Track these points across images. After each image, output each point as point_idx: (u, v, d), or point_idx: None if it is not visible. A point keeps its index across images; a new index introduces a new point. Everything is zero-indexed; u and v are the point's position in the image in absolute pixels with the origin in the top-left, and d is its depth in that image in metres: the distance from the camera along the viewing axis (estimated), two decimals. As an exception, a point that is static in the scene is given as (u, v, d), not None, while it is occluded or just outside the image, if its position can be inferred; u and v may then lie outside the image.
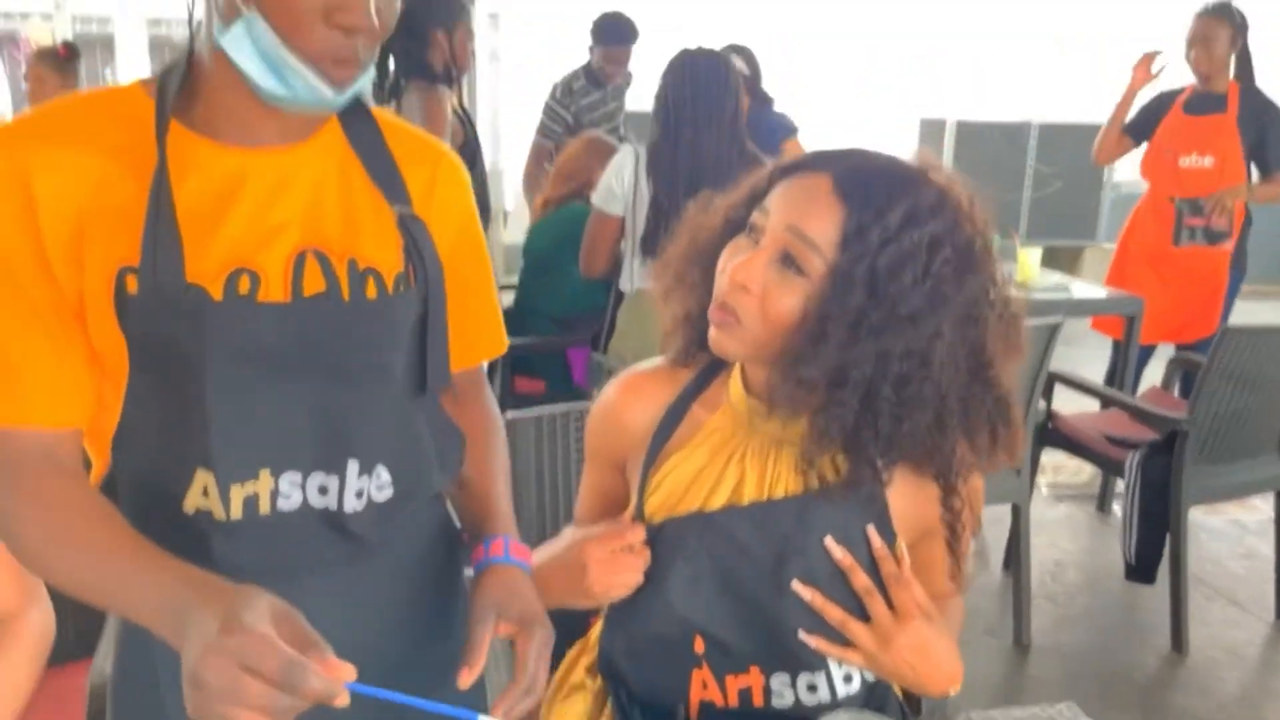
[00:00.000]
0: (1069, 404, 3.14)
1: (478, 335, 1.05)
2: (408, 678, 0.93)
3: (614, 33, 4.08)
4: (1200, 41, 3.32)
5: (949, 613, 1.11)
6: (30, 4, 6.73)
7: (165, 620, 0.73)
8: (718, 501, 1.02)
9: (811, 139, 6.81)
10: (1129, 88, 3.56)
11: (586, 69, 4.19)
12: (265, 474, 0.87)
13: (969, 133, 6.81)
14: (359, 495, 0.91)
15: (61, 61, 3.92)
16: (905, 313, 0.91)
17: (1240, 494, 2.82)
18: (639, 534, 1.02)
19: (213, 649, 0.67)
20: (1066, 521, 3.43)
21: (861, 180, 0.93)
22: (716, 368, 1.07)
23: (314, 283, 0.86)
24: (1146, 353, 3.48)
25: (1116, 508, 3.37)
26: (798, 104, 6.66)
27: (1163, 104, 3.53)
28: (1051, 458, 3.59)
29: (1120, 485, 2.95)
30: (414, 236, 0.91)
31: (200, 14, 0.84)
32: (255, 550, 0.88)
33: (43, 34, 6.60)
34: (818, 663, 1.01)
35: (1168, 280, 3.43)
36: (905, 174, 0.95)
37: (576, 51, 4.27)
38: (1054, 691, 2.45)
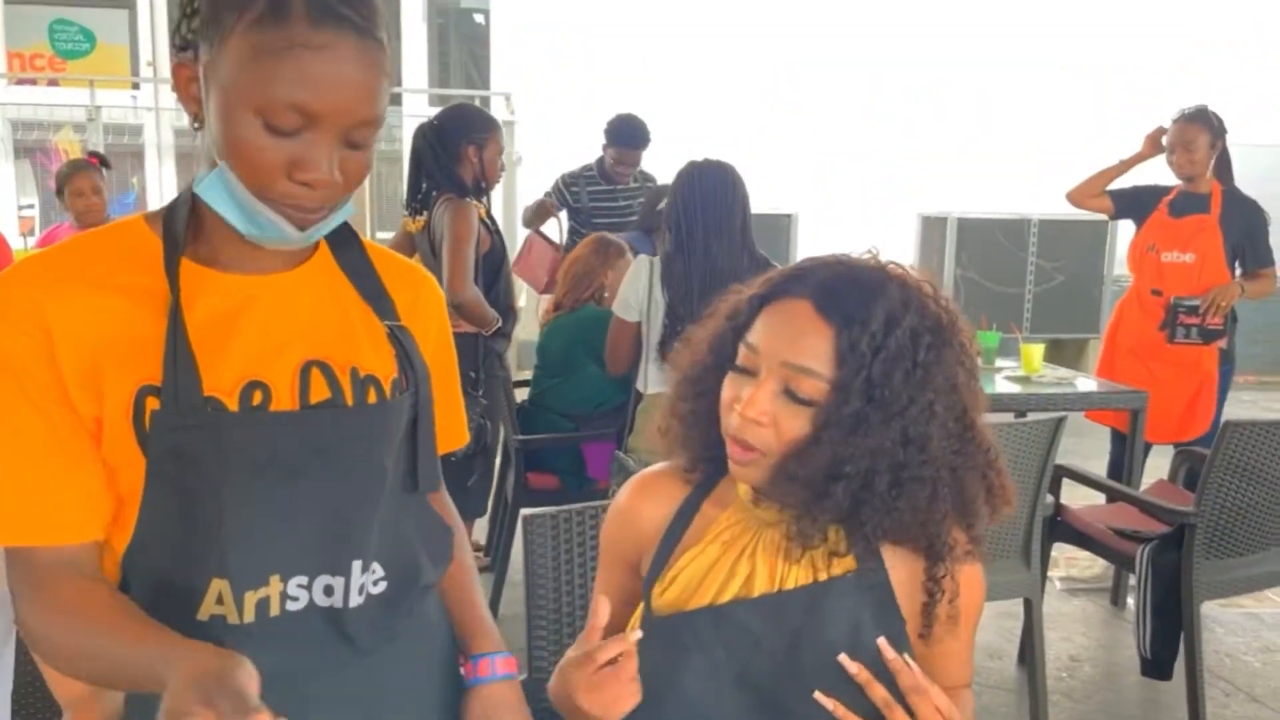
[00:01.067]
0: (1076, 497, 3.16)
1: (445, 430, 1.11)
2: None
3: (626, 135, 4.26)
4: (1181, 146, 3.47)
5: (962, 705, 1.13)
6: (63, 115, 7.01)
7: (155, 675, 0.80)
8: (729, 595, 1.06)
9: (812, 235, 6.98)
10: (1135, 156, 3.68)
11: (599, 163, 4.37)
12: (275, 579, 0.93)
13: (970, 229, 6.96)
14: (360, 591, 0.97)
15: (94, 171, 4.09)
16: (900, 406, 0.99)
17: (1253, 587, 2.81)
18: (618, 647, 1.01)
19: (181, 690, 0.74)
20: (1080, 615, 3.41)
21: (839, 295, 0.99)
22: (724, 468, 1.12)
23: (319, 391, 0.94)
24: (1148, 445, 3.51)
25: (1130, 601, 3.35)
26: (797, 199, 6.89)
27: (1153, 196, 3.65)
28: (1062, 551, 3.60)
29: (1133, 578, 2.95)
30: (404, 346, 1.00)
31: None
32: (264, 650, 0.91)
33: (73, 144, 6.86)
34: None
35: (1155, 373, 3.50)
36: (870, 276, 1.02)
37: (593, 152, 4.44)
38: (1074, 792, 2.42)
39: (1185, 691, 2.59)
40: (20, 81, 8.34)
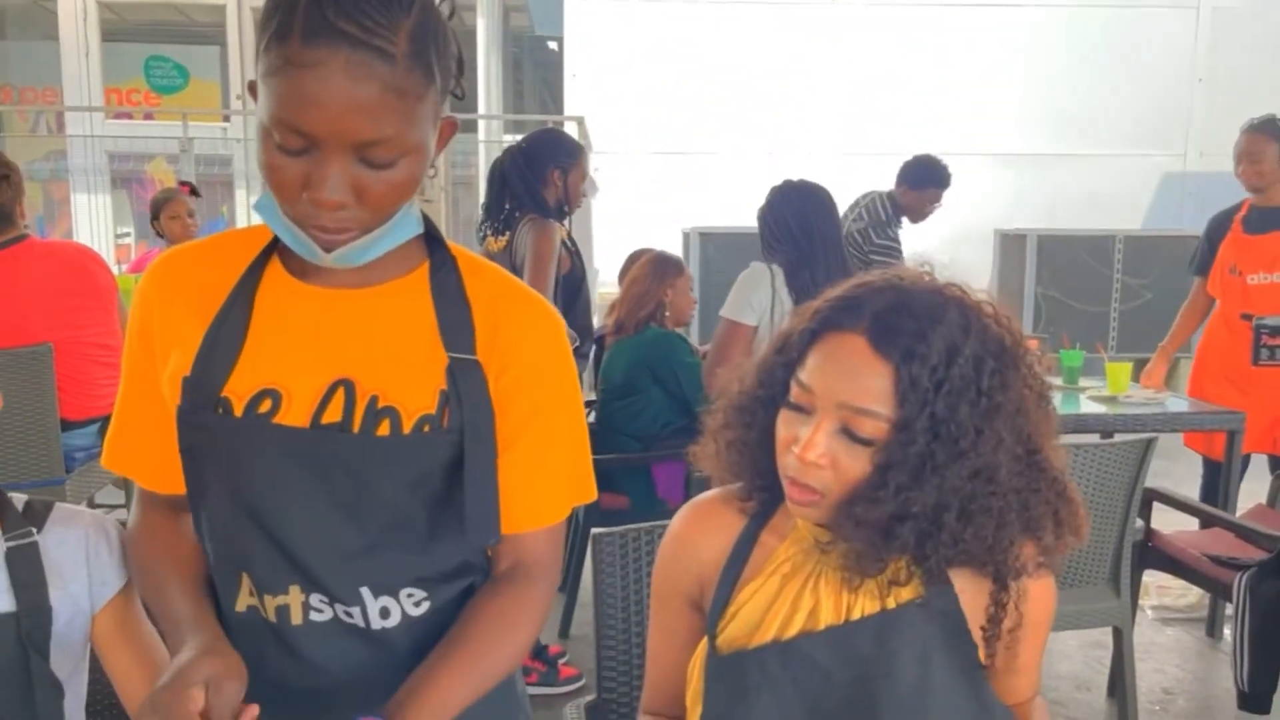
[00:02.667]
0: (1168, 523, 3.03)
1: (532, 492, 0.98)
2: None
3: (934, 178, 4.52)
4: (1247, 157, 3.36)
5: (1037, 716, 1.11)
6: (157, 147, 7.33)
7: (173, 643, 0.92)
8: (794, 629, 1.03)
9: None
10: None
11: (892, 201, 4.50)
12: (295, 590, 0.94)
13: (1051, 245, 6.79)
14: (384, 615, 0.95)
15: (186, 197, 4.27)
16: (968, 441, 0.94)
17: (1361, 619, 2.66)
18: None
19: (151, 704, 0.83)
20: (1175, 646, 3.27)
21: (894, 328, 0.94)
22: (779, 497, 1.08)
23: (334, 413, 0.92)
24: (1244, 467, 3.37)
25: (1227, 631, 3.19)
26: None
27: (1222, 227, 3.54)
28: (1155, 579, 3.45)
29: (1230, 609, 2.81)
30: (459, 382, 0.92)
31: None
32: (293, 653, 0.94)
33: (166, 174, 7.16)
34: None
35: (1248, 394, 3.36)
36: (926, 301, 0.97)
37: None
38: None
39: (1288, 728, 2.45)
40: (118, 116, 8.74)
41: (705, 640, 1.08)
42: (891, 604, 1.01)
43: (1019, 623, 1.03)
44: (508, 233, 3.02)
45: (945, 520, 0.95)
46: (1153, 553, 2.80)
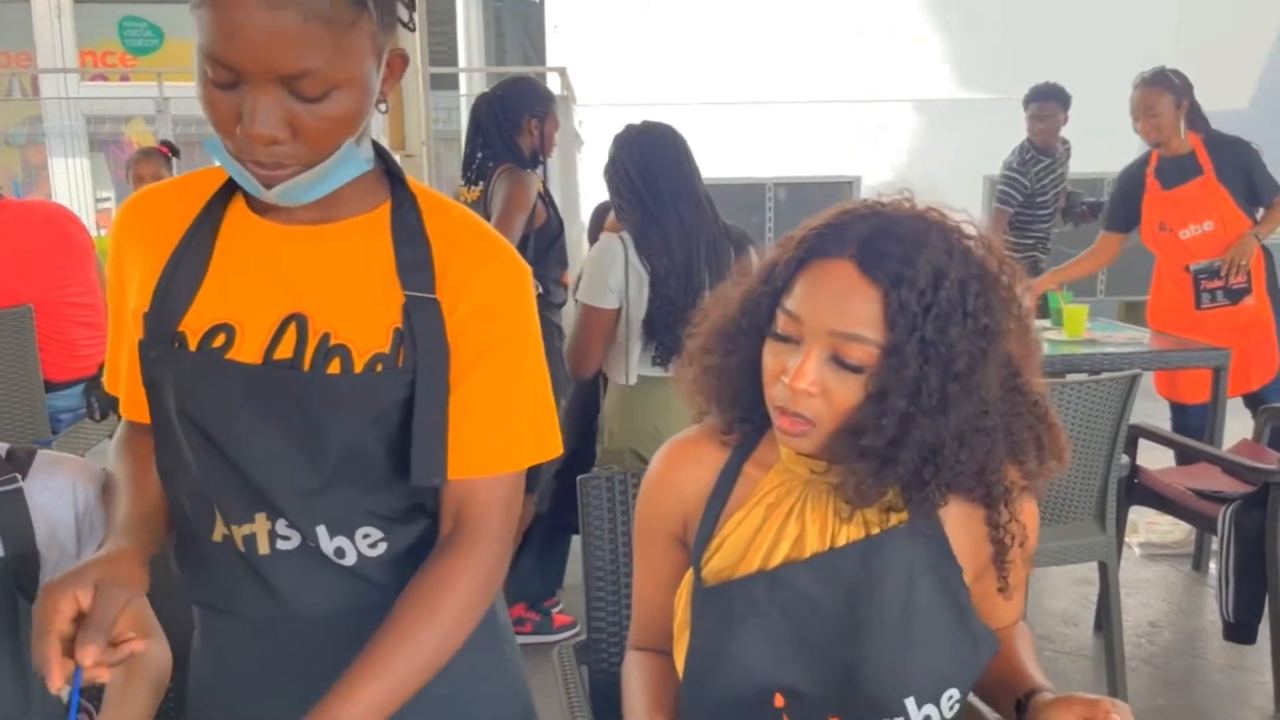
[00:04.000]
0: (1148, 461, 3.05)
1: (483, 436, 0.94)
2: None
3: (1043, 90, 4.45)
4: (1144, 113, 3.37)
5: (1021, 639, 1.12)
6: (134, 108, 7.22)
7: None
8: (779, 557, 1.03)
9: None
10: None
11: (1029, 140, 4.50)
12: (261, 518, 0.93)
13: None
14: (339, 554, 0.94)
15: (162, 160, 4.20)
16: (961, 366, 0.95)
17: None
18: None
19: (41, 594, 0.84)
20: (1160, 582, 3.31)
21: (882, 253, 0.94)
22: (761, 428, 1.08)
23: (285, 350, 0.91)
24: (1202, 410, 3.39)
25: (1213, 566, 3.24)
26: (859, 163, 6.75)
27: (1133, 184, 3.56)
28: (1142, 516, 3.49)
29: (1215, 543, 2.85)
30: (414, 321, 0.90)
31: None
32: (266, 582, 0.94)
33: (144, 136, 7.06)
34: (896, 708, 1.00)
35: (1210, 337, 3.38)
36: (911, 226, 0.96)
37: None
38: (1155, 759, 2.36)
39: (1270, 656, 2.49)
40: (93, 78, 8.60)
41: (690, 573, 1.08)
42: (876, 530, 1.02)
43: (1024, 539, 1.03)
44: (481, 183, 2.96)
45: (945, 444, 0.95)
46: (1139, 489, 2.83)
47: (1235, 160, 3.35)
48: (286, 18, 0.79)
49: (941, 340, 0.93)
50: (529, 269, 0.99)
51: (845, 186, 6.72)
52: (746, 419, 1.08)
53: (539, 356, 0.97)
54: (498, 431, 0.95)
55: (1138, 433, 2.82)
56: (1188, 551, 3.42)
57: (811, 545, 1.03)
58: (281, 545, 0.93)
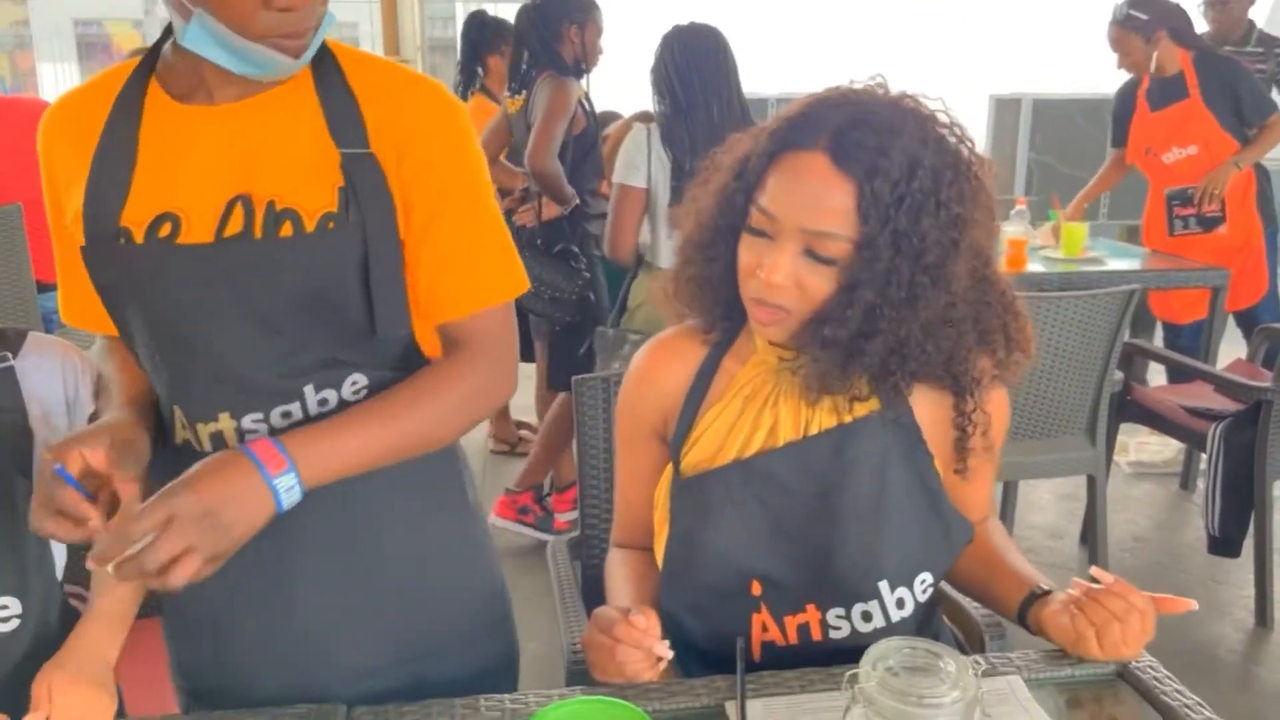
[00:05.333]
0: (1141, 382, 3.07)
1: (464, 277, 0.96)
2: (400, 604, 1.01)
3: None
4: (1117, 49, 3.36)
5: (999, 536, 1.14)
6: (121, 10, 7.04)
7: None
8: (755, 447, 1.04)
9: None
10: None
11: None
12: (225, 416, 0.94)
13: (1047, 110, 6.65)
14: (322, 404, 0.94)
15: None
16: (931, 258, 0.94)
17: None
18: (639, 624, 0.93)
19: (46, 450, 0.84)
20: (1148, 499, 3.35)
21: (855, 143, 0.92)
22: (740, 323, 1.08)
23: (235, 226, 0.90)
24: (1195, 330, 3.40)
25: (1200, 484, 3.28)
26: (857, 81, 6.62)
27: (1126, 103, 3.53)
28: (1133, 435, 3.52)
29: (1204, 463, 2.88)
30: (354, 177, 0.90)
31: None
32: None
33: (132, 39, 6.89)
34: (870, 592, 1.03)
35: (1196, 259, 3.37)
36: (885, 115, 0.95)
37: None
38: (1132, 666, 2.41)
39: (1253, 570, 2.54)
40: (80, -21, 8.36)
41: (670, 469, 1.09)
42: (848, 418, 1.03)
43: (987, 427, 1.04)
44: (524, 92, 3.00)
45: (911, 335, 0.95)
46: (1131, 406, 2.84)
47: (1223, 80, 3.27)
48: None
49: (914, 232, 0.93)
50: (461, 103, 0.98)
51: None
52: (726, 316, 1.08)
53: (489, 192, 0.98)
54: (473, 274, 0.96)
55: (1132, 350, 2.83)
56: (1176, 471, 3.46)
57: (785, 434, 1.04)
58: (250, 440, 0.91)
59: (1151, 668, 0.99)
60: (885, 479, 1.02)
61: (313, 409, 0.95)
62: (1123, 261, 3.41)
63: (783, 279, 0.95)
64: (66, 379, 1.03)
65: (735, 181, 1.01)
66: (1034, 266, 3.31)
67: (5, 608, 0.98)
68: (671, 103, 2.49)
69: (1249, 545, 2.54)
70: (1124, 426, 2.95)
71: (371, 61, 0.96)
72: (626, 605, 0.98)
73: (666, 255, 2.56)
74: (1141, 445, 3.62)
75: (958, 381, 1.01)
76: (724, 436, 1.06)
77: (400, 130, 0.92)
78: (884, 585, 1.03)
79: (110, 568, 0.78)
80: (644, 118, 3.13)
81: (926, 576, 1.05)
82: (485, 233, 0.97)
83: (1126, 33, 3.30)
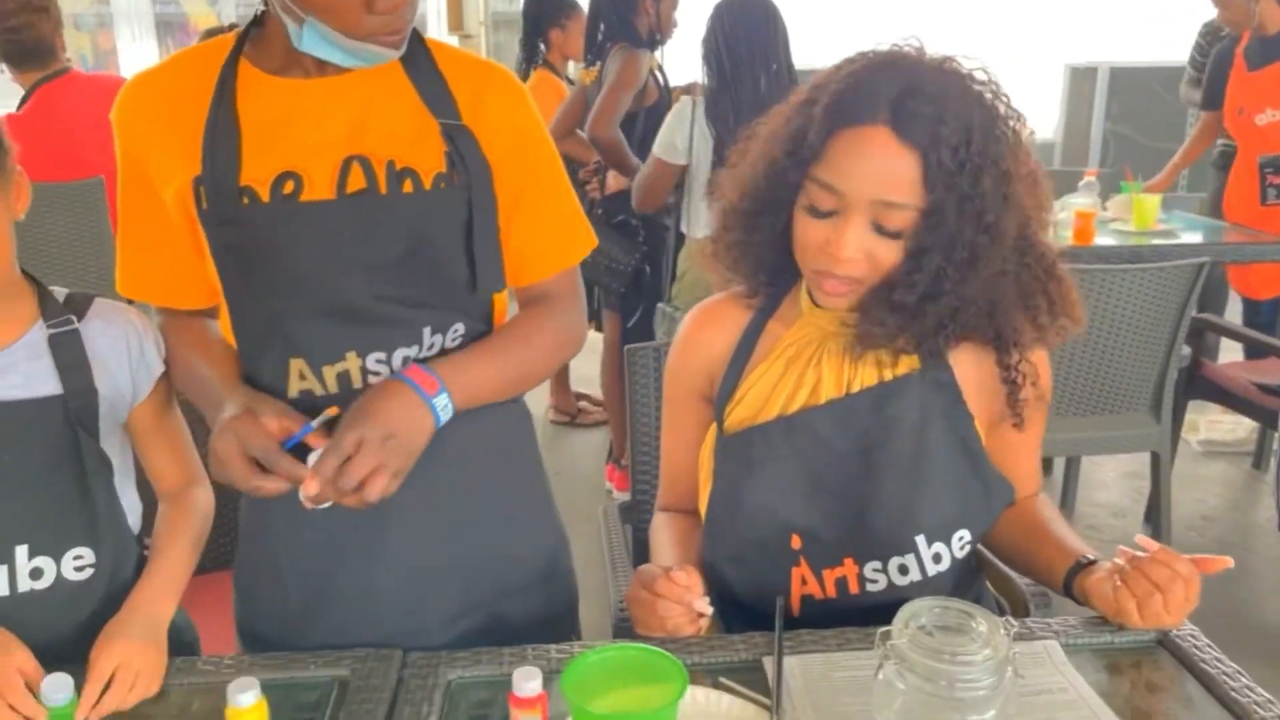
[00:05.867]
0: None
1: (550, 242, 1.08)
2: (479, 556, 1.08)
3: None
4: (1218, 1, 3.27)
5: (1047, 510, 1.13)
6: (197, -11, 7.20)
7: (213, 411, 0.98)
8: (798, 404, 1.07)
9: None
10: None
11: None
12: (352, 355, 1.00)
13: (1124, 79, 6.46)
14: (430, 349, 1.03)
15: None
16: (991, 217, 0.96)
17: None
18: (680, 580, 0.97)
19: (222, 429, 0.93)
20: (1219, 478, 3.28)
21: (914, 113, 0.94)
22: (785, 289, 1.11)
23: (356, 183, 0.97)
24: (1275, 306, 3.29)
25: (1273, 463, 3.19)
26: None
27: (1223, 62, 3.39)
28: (1206, 415, 3.43)
29: (1276, 441, 2.80)
30: (456, 142, 0.99)
31: None
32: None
33: (207, 18, 7.06)
34: (907, 546, 1.04)
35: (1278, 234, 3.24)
36: (937, 81, 0.96)
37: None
38: (1194, 645, 2.38)
39: (1324, 551, 2.48)
40: (159, -41, 8.56)
41: (714, 429, 1.11)
42: (889, 376, 1.05)
43: (1036, 378, 1.05)
44: (599, 63, 3.04)
45: (971, 293, 0.98)
46: (1200, 382, 2.78)
47: None
48: None
49: (975, 194, 0.95)
50: (525, 88, 1.08)
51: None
52: (771, 283, 1.10)
53: (560, 162, 1.10)
54: (556, 238, 1.09)
55: (1203, 325, 2.76)
56: (1249, 450, 3.36)
57: (828, 392, 1.06)
58: (373, 380, 1.01)
59: (1193, 636, 0.99)
60: (924, 436, 1.04)
61: (426, 352, 1.03)
62: (1196, 234, 3.32)
63: (853, 253, 0.97)
64: (130, 342, 1.08)
65: (788, 158, 1.02)
66: (1104, 240, 3.24)
67: (80, 558, 1.04)
68: (718, 75, 2.49)
69: (1321, 526, 2.48)
70: (1195, 405, 2.88)
71: (451, 49, 1.06)
72: (670, 564, 1.01)
73: (703, 227, 2.57)
74: (1213, 424, 3.53)
75: (1000, 336, 1.03)
76: (767, 395, 1.08)
77: (487, 110, 1.02)
78: (920, 540, 1.04)
79: (312, 493, 0.90)
80: (690, 90, 3.14)
81: (964, 534, 1.06)
82: (564, 200, 1.10)
83: None
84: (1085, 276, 2.29)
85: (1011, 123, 0.98)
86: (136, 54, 7.59)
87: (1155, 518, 2.56)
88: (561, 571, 1.19)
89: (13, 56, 2.75)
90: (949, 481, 1.04)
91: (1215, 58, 3.50)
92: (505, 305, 1.12)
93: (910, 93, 0.95)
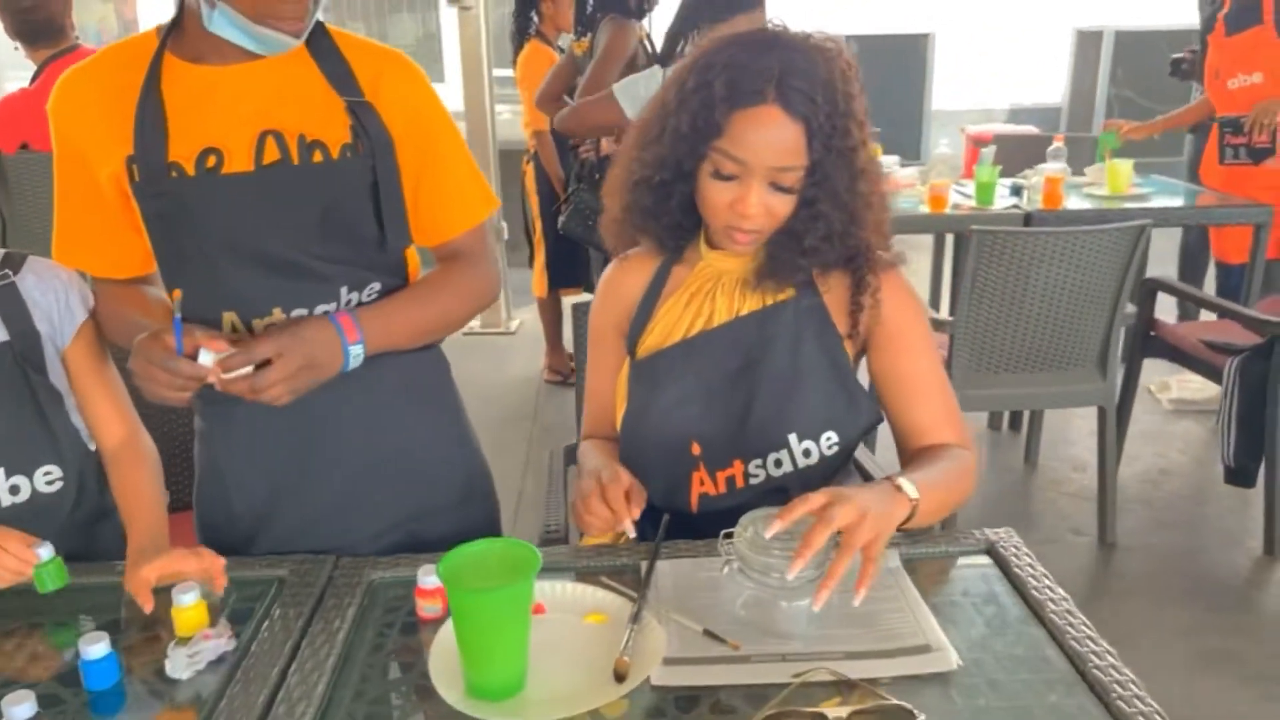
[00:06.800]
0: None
1: (455, 205, 1.22)
2: (400, 480, 1.24)
3: None
4: None
5: (939, 455, 1.17)
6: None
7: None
8: (695, 330, 1.25)
9: (951, 56, 6.61)
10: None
11: None
12: (278, 311, 1.14)
13: (1129, 43, 6.47)
14: (349, 303, 1.16)
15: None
16: (859, 160, 1.15)
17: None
18: (615, 494, 1.10)
19: (133, 351, 1.05)
20: (1182, 435, 3.39)
21: (796, 90, 1.10)
22: (687, 240, 1.26)
23: (271, 155, 1.11)
24: (1244, 269, 3.36)
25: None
26: (933, 18, 6.51)
27: (1207, 28, 3.47)
28: (1179, 374, 3.53)
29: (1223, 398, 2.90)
30: (359, 116, 1.13)
31: None
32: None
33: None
34: (781, 443, 1.21)
35: (1256, 194, 3.32)
36: (805, 58, 1.11)
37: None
38: (1136, 587, 2.51)
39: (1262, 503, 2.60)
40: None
41: (628, 360, 1.28)
42: (770, 302, 1.22)
43: (875, 304, 1.20)
44: (589, 34, 3.16)
45: (846, 227, 1.16)
46: (1154, 341, 2.89)
47: None
48: None
49: (846, 146, 1.13)
50: (419, 67, 1.20)
51: (920, 40, 6.54)
52: (675, 236, 1.25)
53: (459, 133, 1.23)
54: (461, 201, 1.23)
55: (1155, 285, 2.86)
56: (1215, 408, 3.46)
57: (720, 318, 1.24)
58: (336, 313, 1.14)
59: (1015, 546, 1.13)
60: (798, 351, 1.21)
61: (342, 307, 1.16)
62: (1169, 198, 3.41)
63: (757, 210, 1.14)
64: (59, 293, 1.24)
65: (694, 133, 1.16)
66: (1075, 203, 3.34)
67: (49, 473, 1.22)
68: (680, 41, 2.57)
69: (1263, 476, 2.59)
70: (1170, 365, 2.98)
71: (353, 37, 1.19)
72: (600, 467, 1.17)
73: None
74: (1183, 383, 3.64)
75: (855, 259, 1.20)
76: (672, 324, 1.26)
77: (387, 90, 1.16)
78: (793, 438, 1.20)
79: (225, 377, 1.03)
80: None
81: (831, 435, 1.21)
82: (465, 168, 1.23)
83: None
84: (1035, 239, 2.41)
85: (852, 71, 1.14)
86: (158, 20, 7.77)
87: (1101, 472, 2.69)
88: (477, 496, 1.35)
89: (25, 34, 2.93)
90: (817, 389, 1.21)
91: (1203, 27, 3.57)
92: (418, 265, 1.25)
93: (788, 71, 1.11)
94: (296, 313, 1.15)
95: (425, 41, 8.10)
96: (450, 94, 5.57)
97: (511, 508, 2.92)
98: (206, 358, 1.03)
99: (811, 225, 1.15)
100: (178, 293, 1.08)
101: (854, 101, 1.14)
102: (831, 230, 1.16)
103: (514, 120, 4.59)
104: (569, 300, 3.97)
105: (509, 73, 4.23)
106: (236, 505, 1.24)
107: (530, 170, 3.92)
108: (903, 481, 1.03)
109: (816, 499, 0.95)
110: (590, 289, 3.52)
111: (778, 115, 1.10)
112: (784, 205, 1.15)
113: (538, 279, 3.95)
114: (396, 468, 1.25)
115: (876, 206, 1.19)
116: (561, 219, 3.28)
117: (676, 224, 1.23)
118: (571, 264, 3.90)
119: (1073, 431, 3.39)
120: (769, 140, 1.11)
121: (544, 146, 3.79)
